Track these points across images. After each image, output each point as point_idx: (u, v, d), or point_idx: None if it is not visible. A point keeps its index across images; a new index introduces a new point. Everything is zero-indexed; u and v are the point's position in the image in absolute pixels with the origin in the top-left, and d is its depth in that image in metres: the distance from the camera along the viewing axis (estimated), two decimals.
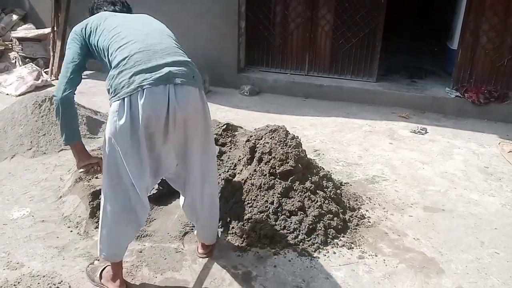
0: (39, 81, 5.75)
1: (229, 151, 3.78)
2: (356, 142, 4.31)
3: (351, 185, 3.45)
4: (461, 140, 4.44)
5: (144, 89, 1.92)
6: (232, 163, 3.38)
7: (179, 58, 2.07)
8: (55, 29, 6.35)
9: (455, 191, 3.45)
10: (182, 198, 2.45)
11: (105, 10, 2.37)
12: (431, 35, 8.59)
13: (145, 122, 1.94)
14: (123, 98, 1.92)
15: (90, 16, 2.32)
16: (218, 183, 3.16)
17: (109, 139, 2.00)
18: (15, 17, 6.63)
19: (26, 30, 6.47)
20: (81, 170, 2.26)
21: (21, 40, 6.33)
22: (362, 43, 5.52)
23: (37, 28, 6.61)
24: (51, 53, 6.34)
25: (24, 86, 5.57)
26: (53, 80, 6.10)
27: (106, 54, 2.09)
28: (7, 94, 5.51)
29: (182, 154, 2.19)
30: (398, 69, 6.23)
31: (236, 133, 4.25)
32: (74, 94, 2.11)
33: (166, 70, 1.97)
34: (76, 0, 6.24)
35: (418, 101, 5.24)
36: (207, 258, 2.58)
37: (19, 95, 5.43)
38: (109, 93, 2.02)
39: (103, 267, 2.42)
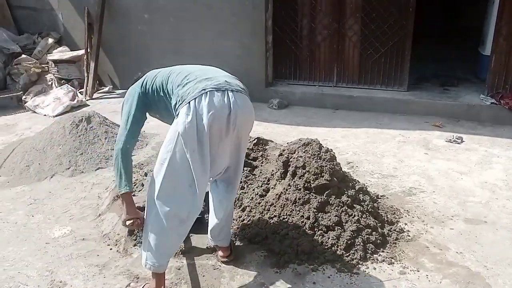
0: (75, 101, 5.94)
1: (261, 166, 3.79)
2: (390, 153, 4.23)
3: (387, 198, 3.39)
4: (500, 148, 4.30)
5: (207, 91, 2.13)
6: (266, 177, 3.38)
7: (235, 81, 2.34)
8: (88, 50, 6.57)
9: (496, 202, 3.33)
10: (216, 196, 2.57)
11: None
12: (459, 40, 8.44)
13: (210, 120, 2.10)
14: (189, 102, 2.12)
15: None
16: (252, 198, 3.18)
17: (175, 140, 2.15)
18: (50, 40, 6.89)
19: (61, 53, 6.71)
20: (128, 223, 2.33)
21: (56, 62, 6.56)
22: (391, 53, 5.47)
23: (71, 50, 6.84)
24: (85, 74, 6.55)
25: (61, 107, 5.75)
26: (87, 100, 6.29)
27: (165, 87, 2.31)
28: (45, 115, 5.70)
29: (233, 156, 2.37)
30: (429, 77, 6.13)
31: (267, 147, 4.25)
32: (133, 145, 2.33)
33: (223, 79, 2.25)
34: (108, 22, 6.46)
35: (452, 109, 5.13)
36: (245, 275, 2.57)
37: (56, 116, 5.62)
38: (175, 110, 2.22)
39: (142, 285, 2.45)
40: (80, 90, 6.50)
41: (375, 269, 2.60)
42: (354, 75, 5.76)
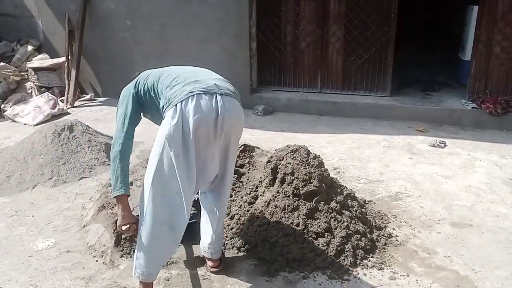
0: (56, 110, 5.82)
1: (248, 173, 3.78)
2: (376, 158, 4.27)
3: (374, 203, 3.41)
4: (482, 152, 4.38)
5: (194, 94, 2.10)
6: (254, 184, 3.36)
7: (222, 79, 2.33)
8: (69, 57, 6.47)
9: (481, 205, 3.38)
10: (207, 206, 2.53)
11: None
12: (439, 46, 8.60)
13: (196, 124, 2.07)
14: (176, 104, 2.09)
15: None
16: (241, 206, 3.16)
17: (162, 144, 2.11)
18: (30, 47, 6.76)
19: (41, 60, 6.58)
20: (124, 228, 2.26)
21: (36, 70, 6.43)
22: (374, 59, 5.53)
23: (51, 58, 6.72)
24: (66, 82, 6.43)
25: (41, 115, 5.63)
26: (68, 108, 6.18)
27: (156, 88, 2.30)
28: (25, 124, 5.57)
29: (222, 162, 2.32)
30: (411, 83, 6.21)
31: (253, 153, 4.24)
32: (130, 146, 2.27)
33: (212, 82, 2.21)
34: (90, 29, 6.38)
35: (434, 114, 5.21)
36: (236, 284, 2.54)
37: (37, 124, 5.49)
38: (162, 113, 2.20)
39: None
40: (61, 98, 6.38)
41: (365, 275, 2.60)
42: (337, 81, 5.80)
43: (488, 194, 3.54)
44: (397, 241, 2.92)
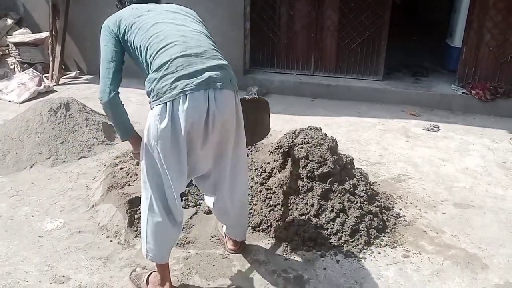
0: (41, 87, 5.61)
1: (251, 154, 3.79)
2: (374, 141, 4.35)
3: (379, 184, 3.49)
4: (474, 136, 4.54)
5: (186, 94, 1.94)
6: (261, 166, 3.38)
7: (217, 62, 2.09)
8: (53, 33, 6.21)
9: (480, 187, 3.52)
10: (208, 200, 2.48)
11: (134, 2, 2.31)
12: (420, 32, 8.76)
13: (188, 127, 1.96)
14: (165, 103, 1.95)
15: (119, 8, 2.35)
16: (251, 187, 3.17)
17: (149, 141, 2.02)
18: (9, 21, 6.43)
19: (23, 35, 6.29)
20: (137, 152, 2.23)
21: (18, 45, 6.15)
22: (368, 42, 5.58)
23: (33, 33, 6.43)
24: (50, 58, 6.19)
25: (27, 92, 5.42)
26: (54, 85, 5.96)
27: (144, 55, 2.09)
28: (10, 101, 5.35)
29: (216, 157, 2.23)
30: (401, 67, 6.31)
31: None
32: (119, 93, 2.12)
33: (206, 75, 2.00)
34: (74, 4, 6.13)
35: (426, 99, 5.34)
36: (255, 263, 2.58)
37: (23, 102, 5.29)
38: (149, 95, 2.05)
39: (148, 273, 2.40)
40: (45, 75, 6.13)
41: (379, 253, 2.69)
42: (331, 64, 5.83)
43: (485, 177, 3.69)
44: (405, 221, 3.02)
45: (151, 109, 2.03)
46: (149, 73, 2.07)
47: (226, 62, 2.13)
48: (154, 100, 2.00)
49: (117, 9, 2.37)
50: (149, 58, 2.06)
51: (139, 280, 2.39)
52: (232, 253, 2.66)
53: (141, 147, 2.11)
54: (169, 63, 2.00)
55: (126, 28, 2.12)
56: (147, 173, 2.11)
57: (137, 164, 2.33)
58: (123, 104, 2.16)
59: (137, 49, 2.10)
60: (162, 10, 2.24)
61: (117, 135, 2.25)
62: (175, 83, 1.96)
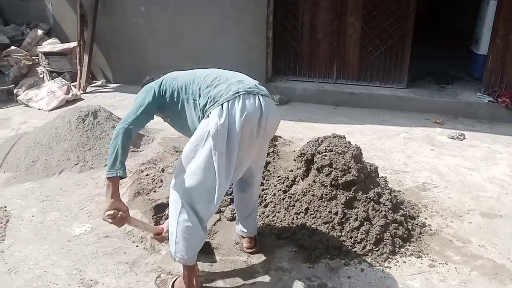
0: (69, 95, 5.77)
1: (273, 161, 3.80)
2: (398, 149, 4.32)
3: (403, 193, 3.46)
4: (501, 145, 4.45)
5: (240, 95, 2.14)
6: (284, 173, 3.40)
7: (260, 83, 2.36)
8: (81, 43, 6.39)
9: (507, 196, 3.45)
10: (239, 195, 2.62)
11: None
12: (445, 40, 8.66)
13: (243, 124, 2.11)
14: (222, 104, 2.12)
15: None
16: (274, 194, 3.19)
17: (203, 140, 2.14)
18: (40, 32, 6.65)
19: (52, 45, 6.49)
20: (108, 213, 2.12)
21: (47, 54, 6.34)
22: (392, 50, 5.56)
23: (61, 42, 6.63)
24: (78, 67, 6.37)
25: (56, 100, 5.58)
26: (81, 93, 6.13)
27: (190, 86, 2.29)
28: (39, 109, 5.51)
29: (260, 157, 2.47)
30: (424, 75, 6.25)
31: (276, 142, 4.27)
32: (135, 131, 2.28)
33: (253, 83, 2.28)
34: (102, 14, 6.30)
35: (451, 107, 5.27)
36: (279, 270, 2.58)
37: (51, 110, 5.45)
38: (203, 111, 2.21)
39: (174, 279, 2.43)
40: (72, 84, 6.30)
41: (404, 262, 2.66)
42: (353, 72, 5.82)
43: None
44: (431, 230, 2.98)
45: (208, 116, 2.15)
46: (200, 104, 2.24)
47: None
48: (211, 105, 2.15)
49: None
50: (198, 85, 2.28)
51: (164, 286, 2.43)
52: (249, 252, 2.71)
53: (187, 149, 2.19)
54: (219, 77, 2.28)
55: (166, 81, 2.36)
56: (188, 175, 2.17)
57: (110, 218, 2.15)
58: (130, 147, 2.28)
59: (179, 89, 2.31)
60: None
61: (107, 165, 2.16)
62: (229, 87, 2.19)
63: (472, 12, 6.93)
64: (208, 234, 2.86)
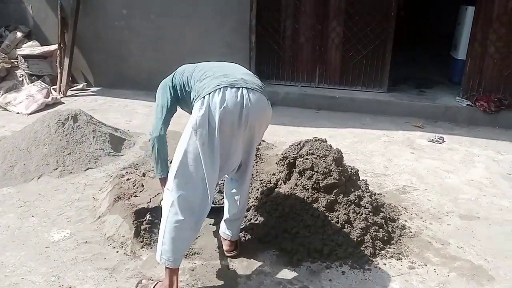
0: (49, 99, 5.69)
1: (256, 165, 3.81)
2: (379, 153, 4.37)
3: (384, 196, 3.49)
4: (478, 148, 4.55)
5: (221, 87, 2.19)
6: (266, 177, 3.40)
7: (251, 73, 2.44)
8: (61, 46, 6.31)
9: (485, 198, 3.52)
10: (229, 190, 2.63)
11: None
12: (424, 45, 8.82)
13: (221, 115, 2.15)
14: (204, 96, 2.19)
15: None
16: (257, 198, 3.20)
17: (189, 134, 2.20)
18: (19, 34, 6.55)
19: (32, 48, 6.40)
20: None
21: (26, 57, 6.25)
22: (373, 55, 5.63)
23: (42, 45, 6.54)
24: (58, 70, 6.29)
25: (35, 104, 5.49)
26: (61, 97, 6.04)
27: (189, 81, 2.41)
28: (18, 113, 5.42)
29: (245, 152, 2.42)
30: (405, 80, 6.35)
31: (259, 146, 4.28)
32: (166, 131, 2.44)
33: (239, 77, 2.30)
34: (83, 17, 6.24)
35: (430, 111, 5.36)
36: (261, 274, 2.58)
37: (30, 114, 5.36)
38: (192, 104, 2.31)
39: (154, 283, 2.41)
40: (52, 87, 6.22)
41: (385, 264, 2.69)
42: (335, 76, 5.88)
43: (490, 188, 3.68)
44: (411, 232, 3.02)
45: (192, 111, 2.26)
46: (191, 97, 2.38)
47: (258, 78, 2.43)
48: (196, 99, 2.25)
49: None
50: (193, 80, 2.39)
51: None
52: (229, 255, 2.71)
53: (178, 145, 2.27)
54: (208, 71, 2.36)
55: (176, 75, 2.52)
56: (179, 173, 2.23)
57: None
58: (167, 145, 2.47)
59: (185, 83, 2.45)
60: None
61: (155, 170, 2.48)
62: (213, 81, 2.25)
63: (451, 17, 7.07)
64: None
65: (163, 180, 2.41)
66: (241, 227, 2.86)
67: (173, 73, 2.55)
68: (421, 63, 7.66)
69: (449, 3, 8.37)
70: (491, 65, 5.25)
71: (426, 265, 2.69)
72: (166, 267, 2.30)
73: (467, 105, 5.28)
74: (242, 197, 2.62)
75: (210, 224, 3.03)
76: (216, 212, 2.88)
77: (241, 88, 2.22)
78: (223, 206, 2.74)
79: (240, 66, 2.53)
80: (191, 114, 2.48)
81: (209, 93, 2.18)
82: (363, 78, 5.77)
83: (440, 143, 4.63)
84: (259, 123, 2.35)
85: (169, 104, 2.45)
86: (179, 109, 2.61)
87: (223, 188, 2.91)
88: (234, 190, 2.62)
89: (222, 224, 2.74)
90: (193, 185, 2.23)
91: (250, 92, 2.23)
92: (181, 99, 2.50)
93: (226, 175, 2.59)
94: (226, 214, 2.70)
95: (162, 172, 2.43)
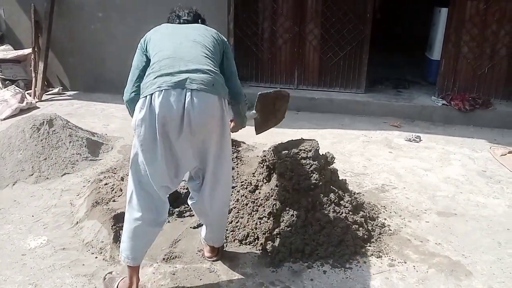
0: (24, 104, 5.55)
1: (237, 167, 3.80)
2: (357, 153, 4.41)
3: (363, 195, 3.53)
4: (454, 146, 4.64)
5: (162, 90, 2.09)
6: (246, 179, 3.40)
7: (201, 67, 2.19)
8: (35, 49, 6.18)
9: (461, 195, 3.59)
10: (191, 197, 2.54)
11: (171, 22, 2.56)
12: (399, 46, 8.97)
13: (160, 120, 2.09)
14: (145, 96, 2.12)
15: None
16: (238, 200, 3.18)
17: (134, 134, 2.18)
18: None
19: (4, 52, 6.25)
20: None
21: None
22: (350, 56, 5.70)
23: (15, 49, 6.40)
24: (33, 75, 6.15)
25: (9, 109, 5.36)
26: (36, 102, 5.91)
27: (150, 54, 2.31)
28: None
29: (199, 157, 2.30)
30: (382, 80, 6.45)
31: (239, 148, 4.28)
32: (137, 94, 2.28)
33: (185, 76, 2.13)
34: (58, 20, 6.13)
35: (407, 110, 5.45)
36: (243, 276, 2.57)
37: (4, 119, 5.23)
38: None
39: (121, 278, 2.42)
40: (27, 92, 6.08)
41: (365, 263, 2.71)
42: (314, 78, 5.93)
43: (466, 185, 3.76)
44: (390, 230, 3.06)
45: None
46: None
47: (211, 68, 2.22)
48: (141, 94, 2.17)
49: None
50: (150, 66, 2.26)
51: (111, 284, 2.42)
52: (209, 260, 2.68)
53: (133, 143, 2.24)
54: (156, 63, 2.20)
55: (147, 41, 2.36)
56: (130, 168, 2.24)
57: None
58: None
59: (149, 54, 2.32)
60: (180, 26, 2.47)
61: None
62: (156, 79, 2.13)
63: (426, 19, 7.22)
64: (171, 242, 2.82)
65: None
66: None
67: (147, 34, 2.39)
68: (398, 64, 7.78)
69: (424, 4, 8.57)
70: (465, 65, 5.38)
71: (405, 262, 2.72)
72: (127, 265, 2.31)
73: (443, 104, 5.39)
74: (214, 205, 2.44)
75: (191, 227, 3.00)
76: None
77: (185, 90, 2.08)
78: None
79: (198, 50, 2.27)
80: None
81: (151, 94, 2.09)
82: (341, 79, 5.83)
83: (417, 142, 4.71)
84: (206, 129, 2.18)
85: (140, 66, 2.31)
86: None
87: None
88: (206, 199, 2.42)
89: (203, 229, 2.69)
90: (146, 183, 2.21)
91: (194, 94, 2.09)
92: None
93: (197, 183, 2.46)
94: (203, 222, 2.64)
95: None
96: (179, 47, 2.24)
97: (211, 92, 2.14)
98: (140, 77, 2.28)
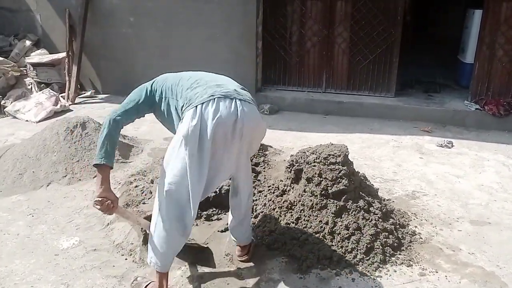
0: (58, 106, 5.73)
1: (264, 171, 3.80)
2: (387, 158, 4.34)
3: (393, 201, 3.47)
4: (488, 152, 4.50)
5: (215, 98, 2.16)
6: (273, 183, 3.40)
7: (241, 87, 2.41)
8: (69, 53, 6.37)
9: (496, 203, 3.48)
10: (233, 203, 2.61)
11: None
12: (432, 48, 8.77)
13: (214, 127, 2.11)
14: (196, 106, 2.14)
15: None
16: (265, 204, 3.19)
17: (179, 142, 2.16)
18: (28, 42, 6.62)
19: (40, 56, 6.46)
20: (97, 199, 2.21)
21: (35, 65, 6.31)
22: (380, 59, 5.62)
23: (50, 53, 6.60)
24: (67, 78, 6.34)
25: (44, 112, 5.53)
26: (70, 104, 6.08)
27: (175, 87, 2.34)
28: (27, 121, 5.46)
29: (237, 167, 2.39)
30: (412, 84, 6.32)
31: (267, 152, 4.28)
32: (124, 123, 2.30)
33: (232, 88, 2.29)
34: (91, 24, 6.29)
35: (439, 115, 5.32)
36: (270, 281, 2.56)
37: (39, 121, 5.40)
38: (181, 113, 2.24)
39: (147, 283, 2.45)
40: (61, 95, 6.27)
41: (395, 271, 2.66)
42: (342, 81, 5.87)
43: (501, 193, 3.64)
44: (421, 238, 2.99)
45: (182, 119, 2.20)
46: (179, 105, 2.30)
47: (252, 98, 2.36)
48: (186, 107, 2.19)
49: None
50: (181, 87, 2.32)
51: None
52: (240, 260, 2.70)
53: (167, 153, 2.24)
54: (199, 80, 2.31)
55: (158, 81, 2.43)
56: (166, 179, 2.21)
57: (99, 204, 2.25)
58: (119, 137, 2.36)
59: (167, 90, 2.36)
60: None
61: (96, 154, 2.21)
62: (206, 90, 2.21)
63: (458, 21, 7.05)
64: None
65: (103, 169, 2.20)
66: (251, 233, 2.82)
67: (154, 79, 2.46)
68: (429, 67, 7.60)
69: (456, 6, 8.37)
70: (499, 68, 5.21)
71: (437, 272, 2.65)
72: (156, 271, 2.34)
73: (476, 109, 5.23)
74: (242, 205, 2.57)
75: (218, 231, 3.02)
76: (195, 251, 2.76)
77: (235, 100, 2.19)
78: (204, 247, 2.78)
79: (230, 78, 2.48)
80: (165, 124, 2.49)
81: (203, 103, 2.14)
82: (370, 82, 5.75)
83: (449, 147, 4.60)
84: (254, 135, 2.33)
85: (139, 102, 2.33)
86: None
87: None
88: (234, 201, 2.59)
89: (232, 230, 2.71)
90: (179, 194, 2.20)
91: (243, 103, 2.21)
92: (157, 108, 2.40)
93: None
94: (231, 222, 2.68)
95: (104, 159, 2.17)
96: (217, 76, 2.43)
97: (254, 105, 2.32)
98: (135, 110, 2.33)
